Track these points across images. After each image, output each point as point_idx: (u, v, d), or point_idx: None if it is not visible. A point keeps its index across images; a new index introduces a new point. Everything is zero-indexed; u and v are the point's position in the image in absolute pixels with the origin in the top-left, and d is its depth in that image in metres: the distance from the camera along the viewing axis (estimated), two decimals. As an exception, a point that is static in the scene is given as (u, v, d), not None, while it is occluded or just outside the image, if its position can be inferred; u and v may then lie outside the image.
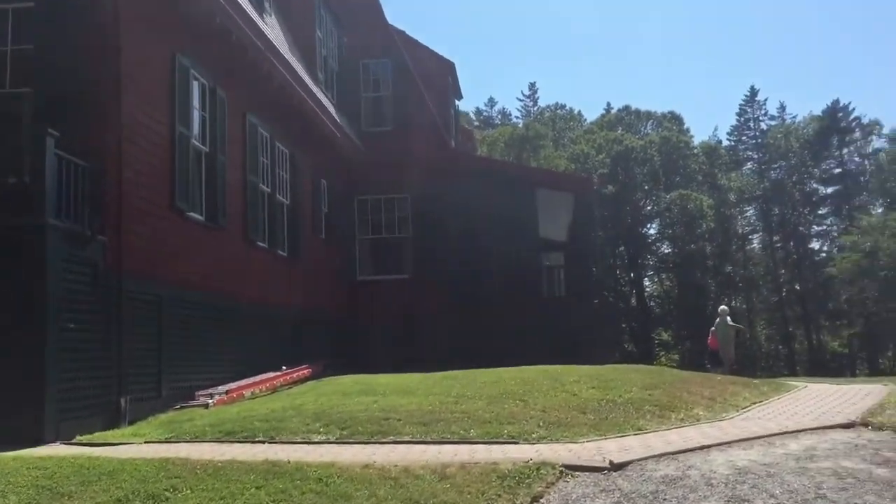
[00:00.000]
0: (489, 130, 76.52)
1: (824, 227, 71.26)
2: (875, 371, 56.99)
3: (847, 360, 65.28)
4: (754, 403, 11.36)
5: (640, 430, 8.66)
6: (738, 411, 10.42)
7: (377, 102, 25.36)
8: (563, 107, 79.83)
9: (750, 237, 73.40)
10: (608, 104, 77.95)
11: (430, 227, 23.67)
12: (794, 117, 72.46)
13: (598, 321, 37.57)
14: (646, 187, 64.32)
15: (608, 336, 54.15)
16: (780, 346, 68.31)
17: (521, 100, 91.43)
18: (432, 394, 10.78)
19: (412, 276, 23.92)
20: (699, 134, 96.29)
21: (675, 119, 70.32)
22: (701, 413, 10.04)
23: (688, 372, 16.23)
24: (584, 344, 22.90)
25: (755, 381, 15.57)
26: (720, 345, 24.12)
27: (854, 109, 68.46)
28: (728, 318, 23.87)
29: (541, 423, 8.65)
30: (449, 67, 30.11)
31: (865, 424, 8.78)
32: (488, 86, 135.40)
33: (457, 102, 33.82)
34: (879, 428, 8.57)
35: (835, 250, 63.22)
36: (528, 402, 9.93)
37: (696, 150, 66.96)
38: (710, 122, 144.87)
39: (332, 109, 21.06)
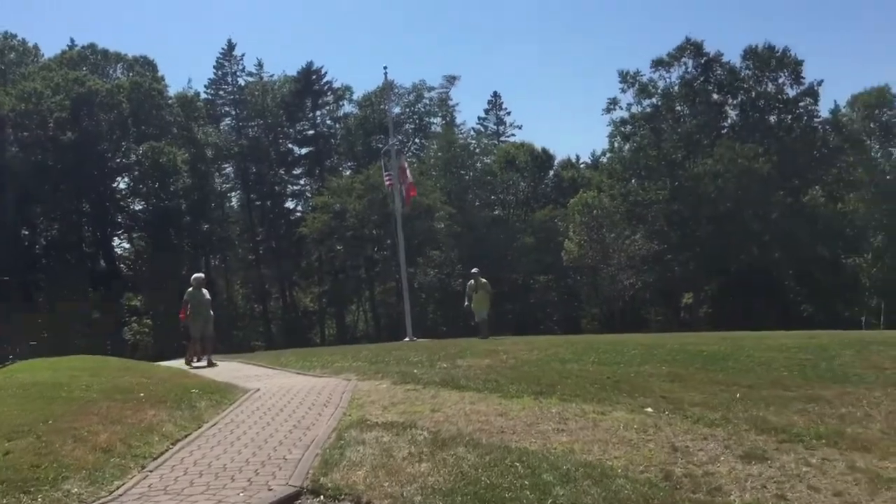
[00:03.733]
0: None
1: (299, 187, 72.88)
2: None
3: (317, 316, 67.92)
4: (176, 442, 7.98)
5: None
6: (140, 471, 6.89)
7: None
8: (14, 37, 67.49)
9: (229, 195, 71.64)
10: (71, 40, 68.38)
11: None
12: (272, 76, 72.18)
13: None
14: (114, 137, 57.61)
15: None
16: (257, 305, 68.17)
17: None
18: None
19: None
20: (175, 84, 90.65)
21: (148, 64, 64.28)
22: (75, 489, 6.27)
23: (135, 362, 12.35)
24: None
25: (210, 379, 12.37)
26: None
27: (326, 73, 70.72)
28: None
29: None
30: None
31: (316, 492, 5.97)
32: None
33: None
34: (334, 497, 5.81)
35: (309, 210, 64.68)
36: None
37: (171, 101, 62.15)
38: (187, 72, 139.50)
39: None
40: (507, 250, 57.68)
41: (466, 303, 22.85)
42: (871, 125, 52.28)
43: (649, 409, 8.94)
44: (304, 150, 71.75)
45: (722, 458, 7.08)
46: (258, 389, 11.44)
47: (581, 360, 13.62)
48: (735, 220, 51.85)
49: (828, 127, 55.84)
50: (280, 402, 10.10)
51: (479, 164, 64.80)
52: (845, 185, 51.34)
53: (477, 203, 62.11)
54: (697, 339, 17.70)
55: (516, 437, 7.70)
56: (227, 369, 15.99)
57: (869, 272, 49.89)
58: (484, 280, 22.95)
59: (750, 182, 50.70)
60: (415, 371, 12.48)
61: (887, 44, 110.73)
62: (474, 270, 23.37)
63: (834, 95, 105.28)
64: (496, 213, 63.45)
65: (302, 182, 72.91)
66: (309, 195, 69.71)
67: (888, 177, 51.08)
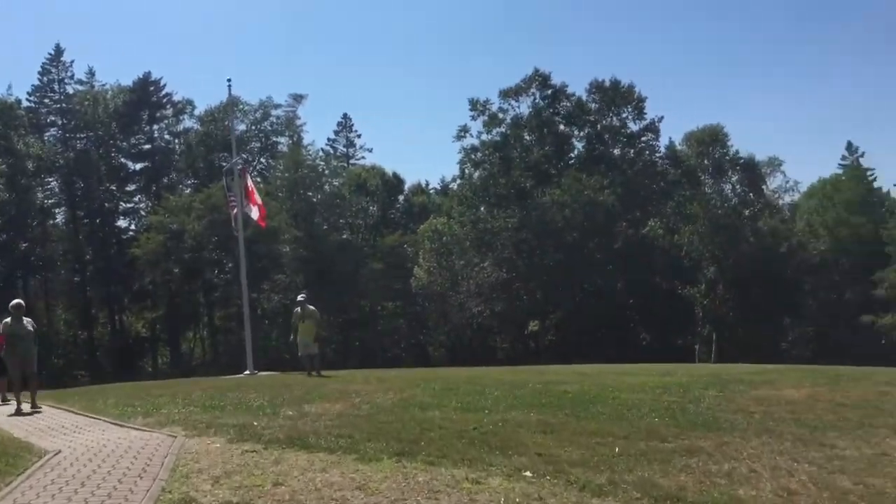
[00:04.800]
0: None
1: (132, 205, 68.16)
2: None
3: (150, 343, 63.43)
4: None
5: None
6: None
7: None
8: None
9: (53, 211, 65.89)
10: None
11: None
12: (104, 85, 67.32)
13: None
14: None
15: None
16: (81, 332, 62.75)
17: None
18: None
19: None
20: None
21: (-40, 65, 58.28)
22: None
23: None
24: None
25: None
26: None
27: (165, 85, 66.86)
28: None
29: None
30: None
31: None
32: None
33: None
34: None
35: (143, 229, 60.43)
36: None
37: (-13, 107, 56.52)
38: (6, 77, 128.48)
39: None
40: (355, 275, 56.18)
41: (292, 336, 20.27)
42: (705, 162, 55.11)
43: (528, 473, 7.83)
44: (139, 166, 67.35)
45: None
46: (59, 451, 9.40)
47: (442, 405, 12.44)
48: (580, 249, 53.00)
49: (667, 161, 58.48)
50: (83, 472, 8.19)
51: (327, 187, 63.03)
52: (682, 217, 53.68)
53: (325, 226, 60.25)
54: (557, 377, 17.05)
55: (379, 520, 6.35)
56: (29, 416, 13.61)
57: (702, 303, 52.19)
58: (312, 308, 20.43)
59: (595, 212, 52.02)
60: (255, 423, 10.81)
61: (720, 88, 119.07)
62: (301, 297, 20.68)
63: (669, 132, 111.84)
64: (344, 236, 61.85)
65: (136, 199, 68.32)
66: (144, 214, 65.34)
67: (719, 211, 53.84)
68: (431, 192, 74.80)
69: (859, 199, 61.41)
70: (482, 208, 57.72)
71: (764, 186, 60.18)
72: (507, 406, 12.20)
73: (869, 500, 7.58)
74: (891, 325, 51.46)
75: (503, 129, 58.97)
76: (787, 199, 69.62)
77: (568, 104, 59.22)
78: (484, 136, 59.31)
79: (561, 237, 53.40)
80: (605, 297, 52.99)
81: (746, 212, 55.86)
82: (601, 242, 53.19)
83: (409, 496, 6.98)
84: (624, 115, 58.75)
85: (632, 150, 59.22)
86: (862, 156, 71.26)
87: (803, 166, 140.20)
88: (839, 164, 72.31)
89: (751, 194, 56.41)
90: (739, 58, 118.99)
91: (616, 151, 59.63)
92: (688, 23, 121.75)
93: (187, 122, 68.92)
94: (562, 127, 59.61)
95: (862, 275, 54.17)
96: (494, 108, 59.04)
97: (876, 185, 68.71)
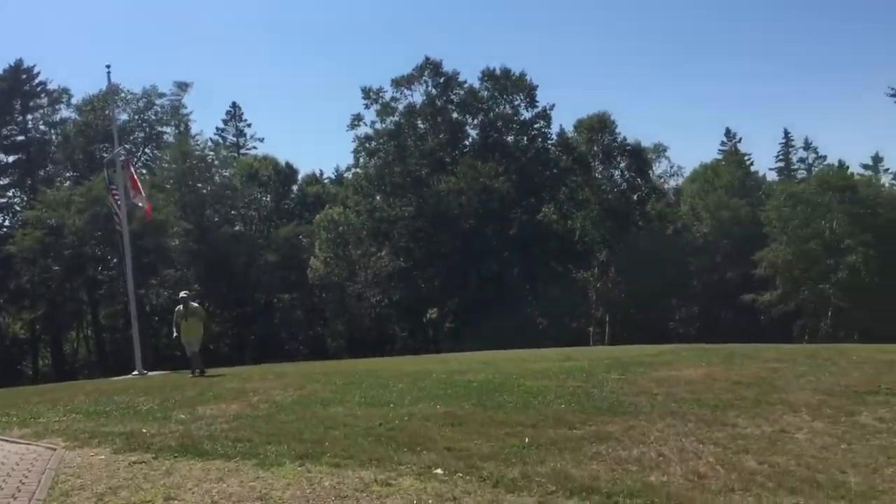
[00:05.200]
0: None
1: (6, 200, 64.07)
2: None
3: (29, 345, 59.93)
4: None
5: None
6: None
7: None
8: None
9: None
10: None
11: None
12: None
13: None
14: None
15: None
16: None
17: None
18: None
19: None
20: None
21: None
22: None
23: None
24: None
25: None
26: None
27: (39, 73, 63.02)
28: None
29: None
30: None
31: None
32: None
33: None
34: None
35: (17, 225, 56.87)
36: None
37: None
38: None
39: None
40: (249, 268, 54.66)
41: (175, 333, 19.47)
42: (595, 148, 56.25)
43: (439, 471, 7.54)
44: (11, 158, 63.24)
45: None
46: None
47: (345, 400, 12.01)
48: (477, 236, 53.26)
49: (559, 148, 59.42)
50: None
51: (217, 178, 60.93)
52: (574, 203, 54.65)
53: (216, 218, 58.26)
54: (460, 366, 16.86)
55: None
56: None
57: (595, 286, 53.38)
58: (195, 304, 19.90)
59: (490, 199, 52.35)
60: (144, 430, 10.09)
61: (607, 75, 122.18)
62: (183, 294, 19.93)
63: (561, 119, 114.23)
64: (237, 228, 60.08)
65: (10, 194, 64.25)
66: (18, 209, 61.58)
67: (609, 196, 55.11)
68: (326, 181, 73.61)
69: (738, 183, 64.23)
70: (378, 197, 57.17)
71: (650, 172, 62.08)
72: (412, 399, 11.88)
73: (776, 480, 7.67)
74: (769, 303, 54.07)
75: (397, 118, 58.48)
76: (672, 183, 72.33)
77: (461, 92, 59.24)
78: (378, 125, 58.73)
79: (457, 224, 53.49)
80: (502, 283, 53.51)
81: (635, 196, 57.45)
82: (497, 229, 53.58)
83: (315, 504, 6.57)
84: (516, 103, 59.29)
85: (525, 138, 59.85)
86: (739, 141, 74.85)
87: (687, 152, 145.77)
88: (719, 150, 75.65)
89: (638, 179, 58.01)
90: (630, 47, 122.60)
91: (510, 139, 60.14)
92: (579, 12, 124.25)
93: (64, 112, 65.25)
94: (455, 115, 59.61)
95: (742, 255, 56.66)
96: (388, 96, 58.52)
97: (753, 168, 72.21)
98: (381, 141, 58.12)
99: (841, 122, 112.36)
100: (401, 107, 58.71)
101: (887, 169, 68.05)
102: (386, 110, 58.37)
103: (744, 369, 14.52)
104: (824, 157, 72.59)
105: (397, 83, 58.35)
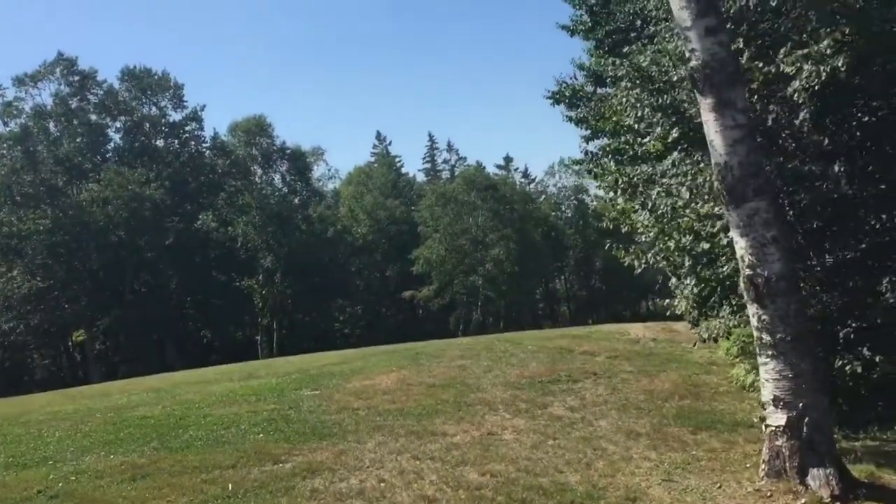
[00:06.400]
0: None
1: None
2: None
3: None
4: None
5: None
6: None
7: None
8: None
9: None
10: None
11: None
12: None
13: None
14: None
15: None
16: None
17: None
18: None
19: None
20: None
21: None
22: None
23: None
24: None
25: None
26: None
27: None
28: None
29: None
30: None
31: None
32: None
33: None
34: None
35: None
36: None
37: None
38: None
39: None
40: None
41: None
42: (253, 152, 54.57)
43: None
44: None
45: None
46: None
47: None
48: (128, 248, 48.94)
49: (215, 152, 56.71)
50: None
51: None
52: (235, 209, 52.47)
53: None
54: (127, 398, 14.70)
55: None
56: None
57: (261, 293, 51.84)
58: None
59: (141, 208, 48.36)
60: None
61: (268, 79, 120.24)
62: None
63: (215, 123, 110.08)
64: None
65: None
66: None
67: (271, 201, 53.85)
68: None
69: (390, 184, 66.87)
70: (4, 210, 49.67)
71: (310, 175, 61.96)
72: (77, 450, 9.87)
73: (503, 492, 7.43)
74: (427, 298, 56.99)
75: (24, 120, 51.38)
76: (331, 186, 73.23)
77: (100, 92, 53.85)
78: (1, 129, 51.13)
79: (104, 236, 48.47)
80: (159, 296, 49.73)
81: (296, 200, 56.86)
82: (151, 239, 49.54)
83: None
84: (163, 104, 55.39)
85: (176, 141, 56.19)
86: (390, 144, 78.04)
87: (342, 154, 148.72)
88: (371, 153, 78.24)
89: (299, 183, 57.53)
90: (285, 55, 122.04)
91: (159, 143, 56.01)
92: (236, 20, 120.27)
93: None
94: (94, 117, 53.98)
95: (400, 254, 59.03)
96: (10, 95, 51.18)
97: (404, 170, 75.79)
98: (5, 146, 50.59)
99: (476, 124, 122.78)
100: (27, 108, 51.77)
101: (517, 168, 75.70)
102: (9, 111, 51.03)
103: (433, 370, 14.55)
104: (465, 159, 78.36)
105: (20, 81, 51.33)
